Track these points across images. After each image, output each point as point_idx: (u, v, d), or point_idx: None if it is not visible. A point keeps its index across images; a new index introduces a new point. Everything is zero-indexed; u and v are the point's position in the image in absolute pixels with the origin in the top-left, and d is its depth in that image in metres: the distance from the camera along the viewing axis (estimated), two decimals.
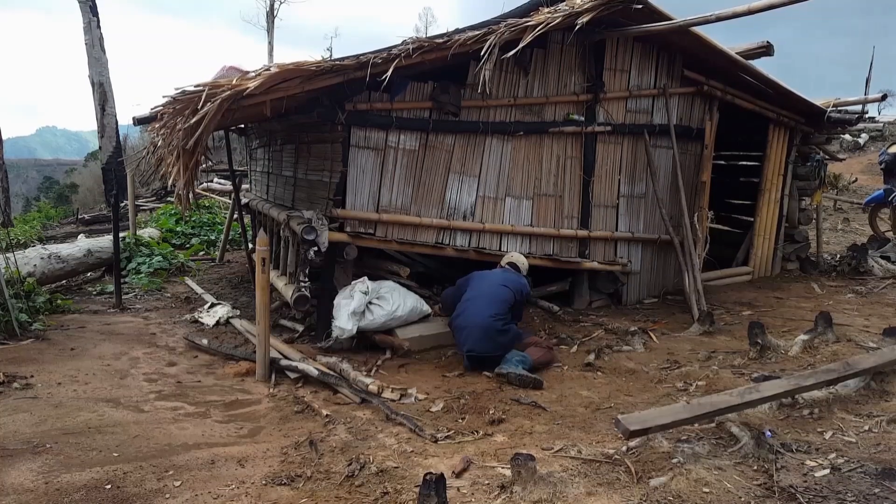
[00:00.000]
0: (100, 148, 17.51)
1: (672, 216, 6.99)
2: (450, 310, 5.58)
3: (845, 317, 5.83)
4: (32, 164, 62.12)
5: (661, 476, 2.96)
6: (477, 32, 5.45)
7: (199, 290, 8.04)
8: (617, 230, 6.94)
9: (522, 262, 5.81)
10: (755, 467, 2.98)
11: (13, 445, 3.55)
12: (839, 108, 7.77)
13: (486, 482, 3.12)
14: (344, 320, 5.43)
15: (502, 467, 3.26)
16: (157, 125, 5.36)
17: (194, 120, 4.65)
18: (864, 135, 20.44)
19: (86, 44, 16.33)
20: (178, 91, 4.85)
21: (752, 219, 8.00)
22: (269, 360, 4.96)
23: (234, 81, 4.72)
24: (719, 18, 5.43)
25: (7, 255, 6.94)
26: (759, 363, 4.72)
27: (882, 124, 21.08)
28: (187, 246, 11.24)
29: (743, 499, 2.74)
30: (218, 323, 6.50)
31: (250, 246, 8.16)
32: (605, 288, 7.02)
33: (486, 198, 6.35)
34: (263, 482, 3.24)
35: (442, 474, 2.66)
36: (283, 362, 5.00)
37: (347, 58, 5.22)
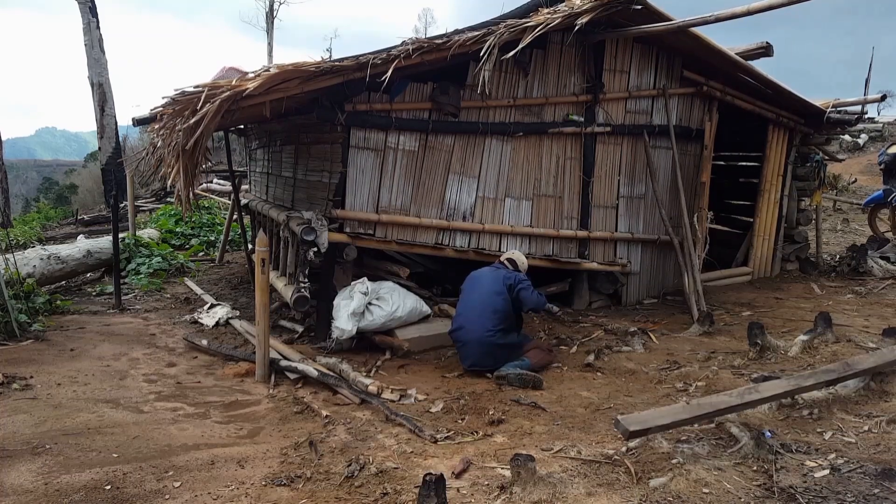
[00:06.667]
0: (99, 149, 17.50)
1: (671, 217, 6.99)
2: None
3: (845, 317, 5.84)
4: (32, 165, 62.09)
5: (661, 476, 2.96)
6: (476, 33, 5.46)
7: (198, 290, 8.04)
8: (616, 231, 6.94)
9: (522, 262, 5.53)
10: (755, 468, 2.98)
11: (13, 446, 3.55)
12: (838, 109, 7.78)
13: (486, 483, 3.12)
14: (344, 321, 5.43)
15: (502, 468, 3.26)
16: (156, 126, 5.35)
17: (193, 120, 4.65)
18: (863, 135, 20.47)
19: (85, 45, 16.33)
20: (178, 92, 4.85)
21: (751, 219, 8.01)
22: (268, 361, 4.96)
23: (233, 82, 4.72)
24: (718, 19, 5.43)
25: (7, 255, 6.94)
26: (759, 363, 4.72)
27: (881, 125, 21.14)
28: (187, 247, 11.24)
29: (742, 499, 2.74)
30: (217, 324, 6.49)
31: (250, 246, 8.16)
32: (604, 288, 7.03)
33: (485, 198, 6.35)
34: (263, 483, 3.24)
35: (441, 475, 2.66)
36: (283, 363, 5.00)
37: (347, 58, 5.22)
